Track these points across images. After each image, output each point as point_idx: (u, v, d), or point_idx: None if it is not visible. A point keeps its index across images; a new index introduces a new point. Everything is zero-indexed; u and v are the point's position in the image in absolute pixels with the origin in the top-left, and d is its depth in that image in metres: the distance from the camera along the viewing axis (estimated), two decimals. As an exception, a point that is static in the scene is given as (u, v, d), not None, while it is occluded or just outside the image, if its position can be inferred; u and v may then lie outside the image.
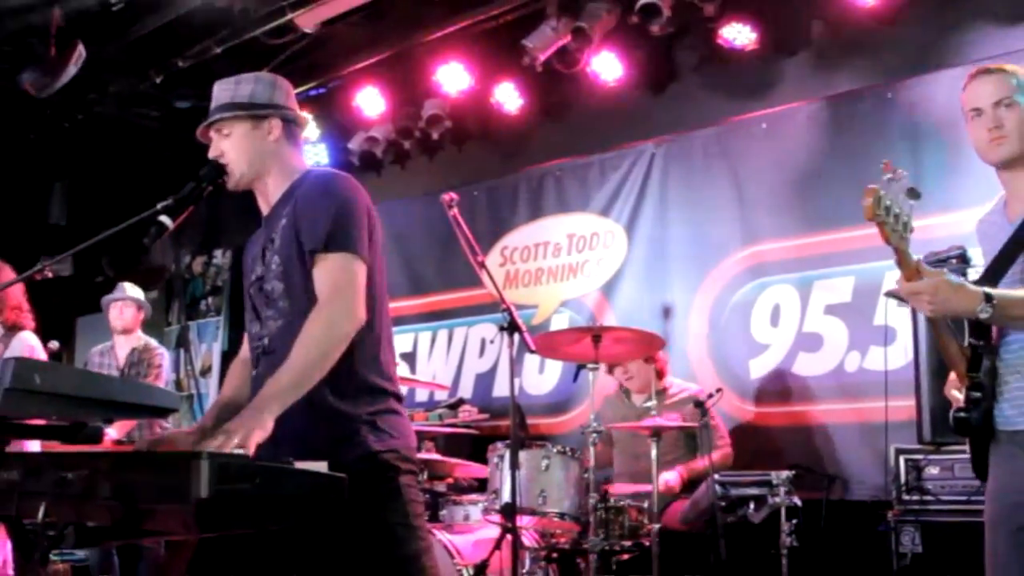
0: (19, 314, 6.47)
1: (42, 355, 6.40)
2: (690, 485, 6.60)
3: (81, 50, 7.95)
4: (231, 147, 3.65)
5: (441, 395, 8.74)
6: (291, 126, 3.74)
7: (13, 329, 6.42)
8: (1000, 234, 3.63)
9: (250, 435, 2.87)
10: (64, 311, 6.53)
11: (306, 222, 3.44)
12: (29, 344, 6.36)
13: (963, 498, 5.25)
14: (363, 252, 3.42)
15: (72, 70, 7.95)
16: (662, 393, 6.87)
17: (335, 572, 3.41)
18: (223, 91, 3.73)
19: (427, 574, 3.38)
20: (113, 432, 7.21)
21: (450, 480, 7.33)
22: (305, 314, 3.33)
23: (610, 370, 7.18)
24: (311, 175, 3.68)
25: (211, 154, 3.66)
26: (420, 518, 3.48)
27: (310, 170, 3.75)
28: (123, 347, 8.21)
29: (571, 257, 8.73)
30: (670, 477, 6.50)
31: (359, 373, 3.41)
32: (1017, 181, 3.65)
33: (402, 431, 3.50)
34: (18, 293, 6.47)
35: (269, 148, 3.66)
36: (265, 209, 3.74)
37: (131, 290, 8.29)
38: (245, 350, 3.82)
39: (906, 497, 5.53)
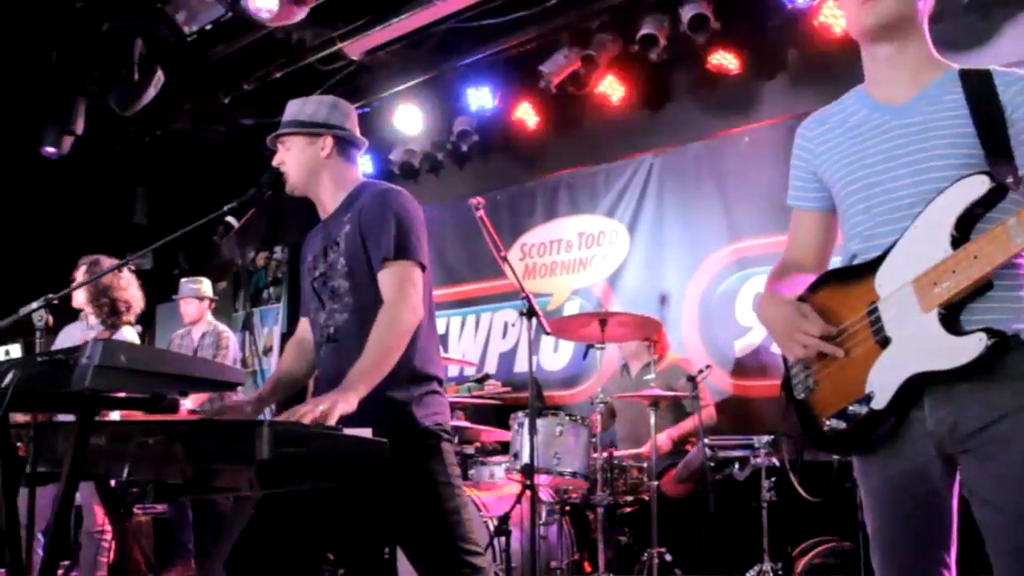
0: (119, 311, 6.36)
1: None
2: (679, 445, 6.68)
3: (160, 75, 7.97)
4: (289, 158, 3.71)
5: (469, 371, 8.75)
6: (345, 144, 3.76)
7: (113, 326, 6.34)
8: (868, 124, 2.66)
9: (335, 408, 2.93)
10: (145, 300, 6.54)
11: (373, 234, 3.50)
12: (126, 339, 6.27)
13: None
14: (422, 259, 3.52)
15: (152, 92, 7.98)
16: (655, 363, 6.88)
17: (391, 523, 3.46)
18: (292, 108, 3.80)
19: (465, 525, 3.46)
20: (188, 403, 7.21)
21: (477, 444, 7.32)
22: (368, 310, 3.42)
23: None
24: (370, 188, 3.69)
25: (274, 161, 3.73)
26: (458, 478, 3.55)
27: (366, 182, 3.77)
28: (197, 331, 8.21)
29: (581, 252, 8.71)
30: (661, 441, 6.52)
31: (410, 363, 3.47)
32: (899, 55, 2.65)
33: (442, 408, 3.59)
34: (119, 289, 6.37)
35: (321, 162, 3.70)
36: (323, 213, 3.78)
37: (191, 287, 8.25)
38: (299, 332, 3.89)
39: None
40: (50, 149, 8.72)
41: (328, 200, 3.74)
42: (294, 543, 3.35)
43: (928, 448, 2.48)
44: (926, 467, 2.50)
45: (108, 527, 5.68)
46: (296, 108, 3.77)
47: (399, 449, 3.00)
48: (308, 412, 2.86)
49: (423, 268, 3.53)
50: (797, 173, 2.91)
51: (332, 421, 2.88)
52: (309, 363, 3.81)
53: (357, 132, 3.85)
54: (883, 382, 2.50)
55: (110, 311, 6.31)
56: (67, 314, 6.58)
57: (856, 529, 5.24)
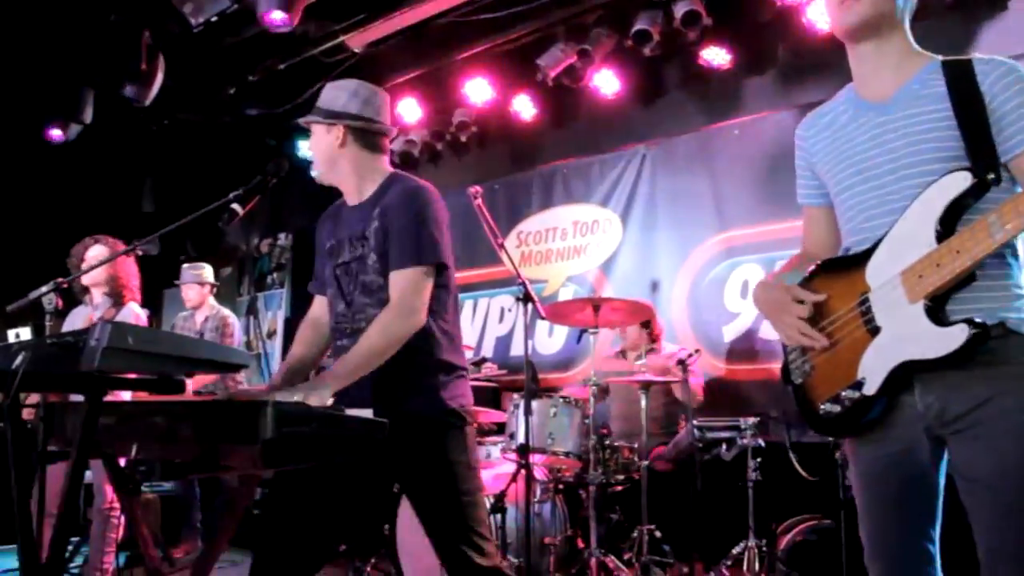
0: (127, 289, 6.37)
1: (144, 323, 6.30)
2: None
3: (162, 61, 7.97)
4: (312, 145, 3.67)
5: (467, 354, 8.75)
6: (362, 133, 3.61)
7: (119, 303, 6.34)
8: (856, 123, 2.69)
9: (306, 400, 2.91)
10: (153, 284, 6.54)
11: (394, 235, 3.43)
12: (135, 313, 6.29)
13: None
14: (440, 259, 3.45)
15: (160, 78, 7.97)
16: (652, 350, 6.90)
17: (413, 500, 3.47)
18: (323, 93, 3.69)
19: (480, 507, 3.48)
20: (189, 384, 7.18)
21: (475, 425, 7.33)
22: None
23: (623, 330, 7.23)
24: (397, 186, 3.57)
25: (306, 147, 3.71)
26: (477, 462, 3.56)
27: (395, 176, 3.65)
28: (200, 315, 8.15)
29: (575, 240, 8.72)
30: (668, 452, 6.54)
31: (442, 356, 3.48)
32: (881, 53, 2.66)
33: (467, 391, 3.58)
34: (126, 269, 6.38)
35: (336, 151, 3.59)
36: (352, 200, 3.68)
37: (192, 272, 8.20)
38: (315, 311, 3.82)
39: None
40: (54, 132, 8.71)
41: (350, 189, 3.66)
42: (313, 520, 3.35)
43: (918, 430, 2.51)
44: (915, 448, 2.53)
45: (118, 505, 5.68)
46: (323, 93, 3.66)
47: (423, 429, 3.13)
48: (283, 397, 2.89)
49: (443, 267, 3.47)
50: (801, 172, 2.95)
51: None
52: (323, 341, 3.76)
53: (381, 117, 3.66)
54: (874, 369, 2.54)
55: (116, 288, 6.30)
56: (77, 297, 6.57)
57: (838, 508, 5.26)
